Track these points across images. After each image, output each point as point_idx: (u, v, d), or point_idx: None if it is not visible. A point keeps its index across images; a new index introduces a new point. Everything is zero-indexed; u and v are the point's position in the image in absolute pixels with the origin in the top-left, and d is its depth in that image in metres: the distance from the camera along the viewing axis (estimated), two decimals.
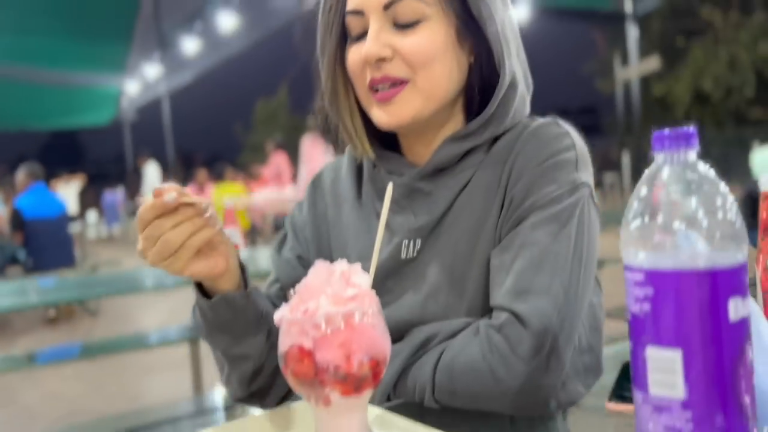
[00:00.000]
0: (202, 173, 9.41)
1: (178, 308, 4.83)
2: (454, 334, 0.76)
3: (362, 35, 0.80)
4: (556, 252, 0.73)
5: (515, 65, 0.82)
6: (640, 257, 0.46)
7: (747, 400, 0.45)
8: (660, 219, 0.46)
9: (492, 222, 0.79)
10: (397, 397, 0.77)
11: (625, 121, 18.53)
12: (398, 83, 0.79)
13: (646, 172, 0.48)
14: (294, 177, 8.06)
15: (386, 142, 0.89)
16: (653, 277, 0.45)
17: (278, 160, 8.66)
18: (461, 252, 0.80)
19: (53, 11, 13.44)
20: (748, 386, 0.45)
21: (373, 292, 0.60)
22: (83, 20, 14.17)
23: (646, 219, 0.46)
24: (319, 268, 0.60)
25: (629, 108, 18.01)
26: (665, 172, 0.47)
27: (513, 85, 0.82)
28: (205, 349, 1.90)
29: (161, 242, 0.69)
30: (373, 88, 0.80)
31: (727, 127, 17.19)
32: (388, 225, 0.82)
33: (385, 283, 0.82)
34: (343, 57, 0.84)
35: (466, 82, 0.84)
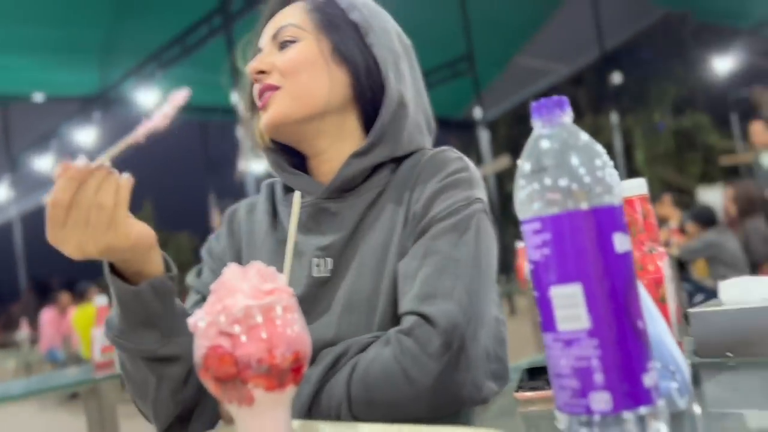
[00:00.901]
0: (65, 297, 8.73)
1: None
2: (364, 349, 0.78)
3: None
4: (456, 258, 0.78)
5: (406, 91, 0.92)
6: (535, 207, 0.52)
7: (641, 323, 0.51)
8: (548, 177, 0.52)
9: (397, 238, 0.84)
10: (313, 419, 0.76)
11: None
12: (273, 89, 0.90)
13: (529, 140, 0.55)
14: None
15: (299, 168, 0.96)
16: (549, 223, 0.51)
17: None
18: (370, 269, 0.84)
19: None
20: (640, 311, 0.51)
21: (291, 289, 0.61)
22: None
23: (536, 180, 0.53)
24: (234, 268, 0.60)
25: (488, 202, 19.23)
26: (546, 135, 0.54)
27: (403, 105, 0.90)
28: None
29: (96, 209, 0.65)
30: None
31: None
32: (296, 246, 0.84)
33: (300, 306, 0.82)
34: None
35: (354, 103, 0.93)
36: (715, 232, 4.49)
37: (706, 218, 4.61)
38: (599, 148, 0.53)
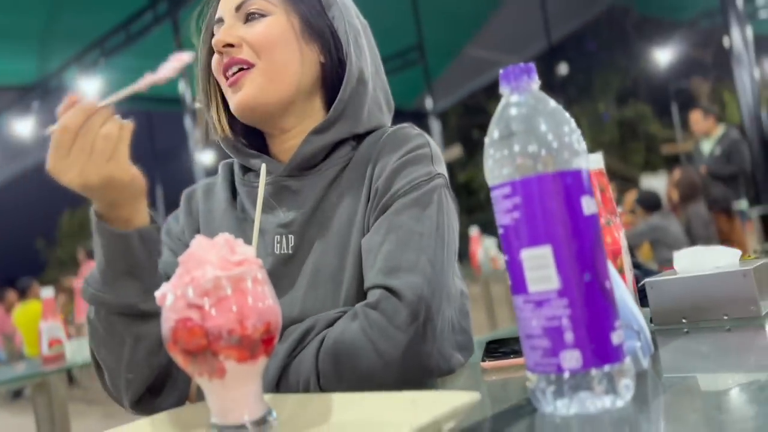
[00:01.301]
0: (11, 294, 8.38)
1: None
2: (331, 324, 0.77)
3: None
4: (420, 232, 0.79)
5: (366, 68, 0.91)
6: (505, 172, 0.53)
7: (608, 284, 0.52)
8: (517, 142, 0.53)
9: (361, 214, 0.84)
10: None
11: None
12: (245, 68, 0.87)
13: (498, 106, 0.56)
14: None
15: (257, 148, 0.94)
16: (519, 186, 0.52)
17: (92, 268, 8.01)
18: (335, 245, 0.83)
19: None
20: (607, 272, 0.52)
21: (260, 260, 0.60)
22: None
23: (505, 146, 0.53)
24: (202, 239, 0.59)
25: None
26: (514, 101, 0.55)
27: (362, 82, 0.90)
28: None
29: (102, 139, 0.67)
30: (227, 76, 0.88)
31: None
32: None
33: None
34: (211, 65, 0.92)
35: (320, 82, 0.91)
36: (659, 216, 4.65)
37: (651, 203, 4.77)
38: (567, 115, 0.54)
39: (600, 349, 0.50)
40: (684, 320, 0.84)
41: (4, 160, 15.23)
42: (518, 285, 0.53)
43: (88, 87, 8.70)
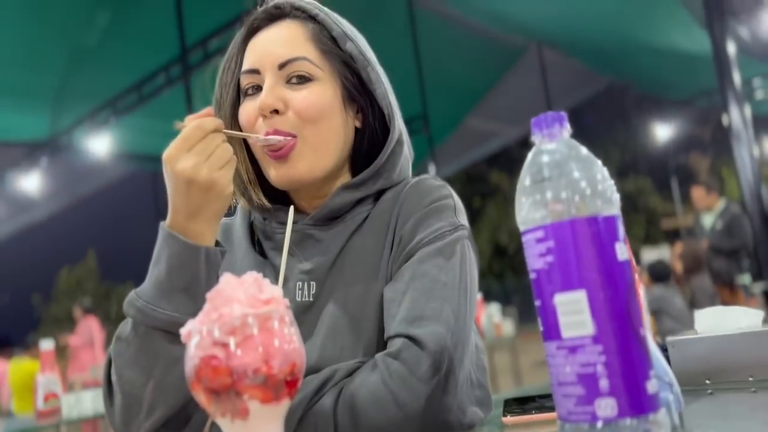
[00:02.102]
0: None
1: None
2: (350, 374, 0.76)
3: (255, 92, 0.87)
4: (443, 282, 0.78)
5: (403, 127, 0.92)
6: (538, 216, 0.53)
7: (642, 331, 0.52)
8: (551, 187, 0.53)
9: (384, 263, 0.84)
10: None
11: None
12: (288, 137, 0.84)
13: (530, 154, 0.57)
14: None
15: (275, 197, 0.92)
16: (552, 230, 0.52)
17: (89, 326, 7.93)
18: (356, 293, 0.83)
19: None
20: (642, 319, 0.52)
21: (287, 301, 0.60)
22: None
23: (538, 191, 0.54)
24: (229, 277, 0.59)
25: None
26: (546, 148, 0.55)
27: (400, 143, 0.90)
28: None
29: (222, 150, 0.75)
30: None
31: (524, 275, 19.09)
32: (276, 270, 0.83)
33: None
34: (236, 115, 0.89)
35: (353, 145, 0.91)
36: (662, 287, 4.62)
37: (662, 273, 4.74)
38: (599, 163, 0.55)
39: (635, 398, 0.49)
40: (708, 381, 0.82)
41: (9, 215, 15.28)
42: (551, 331, 0.52)
43: (97, 145, 8.82)
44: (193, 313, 0.73)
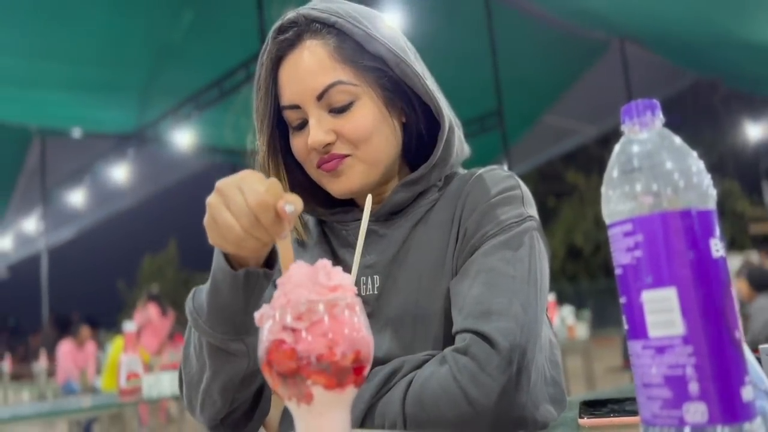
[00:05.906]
0: (84, 330, 8.74)
1: None
2: (418, 367, 0.75)
3: (302, 125, 0.86)
4: (511, 275, 0.76)
5: (449, 111, 0.90)
6: (627, 208, 0.50)
7: (738, 334, 0.48)
8: (641, 178, 0.50)
9: (449, 255, 0.82)
10: None
11: None
12: (341, 157, 0.84)
13: (618, 144, 0.54)
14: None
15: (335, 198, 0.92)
16: (642, 223, 0.49)
17: (147, 312, 8.12)
18: (422, 286, 0.81)
19: None
20: (737, 320, 0.48)
21: (355, 288, 0.59)
22: None
23: (626, 182, 0.51)
24: (301, 264, 0.59)
25: None
26: (637, 138, 0.52)
27: (451, 129, 0.89)
28: None
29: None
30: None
31: (599, 279, 18.54)
32: (343, 264, 0.82)
33: None
34: (276, 143, 0.90)
35: (403, 140, 0.90)
36: (766, 297, 4.37)
37: (763, 281, 4.46)
38: (695, 154, 0.51)
39: (729, 404, 0.46)
40: None
41: (97, 204, 16.11)
42: (637, 329, 0.49)
43: (179, 137, 9.17)
44: (236, 337, 0.75)
